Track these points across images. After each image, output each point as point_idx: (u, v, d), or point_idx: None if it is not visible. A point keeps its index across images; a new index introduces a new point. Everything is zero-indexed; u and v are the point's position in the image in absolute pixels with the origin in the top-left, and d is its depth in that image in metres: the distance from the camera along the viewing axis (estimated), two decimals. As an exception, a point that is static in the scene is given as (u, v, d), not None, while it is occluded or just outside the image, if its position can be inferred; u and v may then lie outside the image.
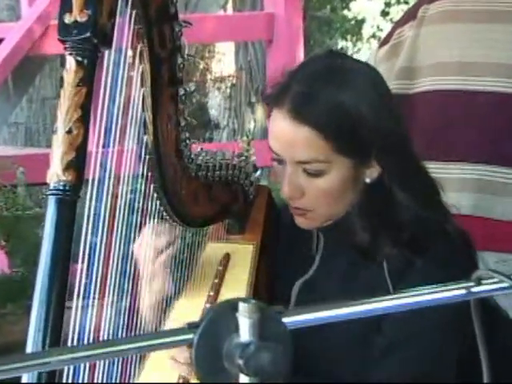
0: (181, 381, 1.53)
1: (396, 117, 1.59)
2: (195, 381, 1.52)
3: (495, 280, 0.92)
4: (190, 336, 0.85)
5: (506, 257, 2.19)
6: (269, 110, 1.60)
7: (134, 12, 1.38)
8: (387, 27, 9.07)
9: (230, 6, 6.96)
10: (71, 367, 1.27)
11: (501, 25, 2.26)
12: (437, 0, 2.35)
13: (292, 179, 1.57)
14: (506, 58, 2.23)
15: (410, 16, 2.42)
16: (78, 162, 1.27)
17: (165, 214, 1.55)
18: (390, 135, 1.56)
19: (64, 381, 1.28)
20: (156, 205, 1.53)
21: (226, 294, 1.62)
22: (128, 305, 1.51)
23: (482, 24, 2.28)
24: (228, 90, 7.05)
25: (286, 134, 1.55)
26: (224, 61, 7.13)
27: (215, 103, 7.13)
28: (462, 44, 2.29)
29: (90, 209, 1.32)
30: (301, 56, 4.80)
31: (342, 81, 1.55)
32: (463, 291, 0.92)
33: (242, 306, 0.84)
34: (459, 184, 2.02)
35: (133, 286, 1.51)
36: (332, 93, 1.54)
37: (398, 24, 2.48)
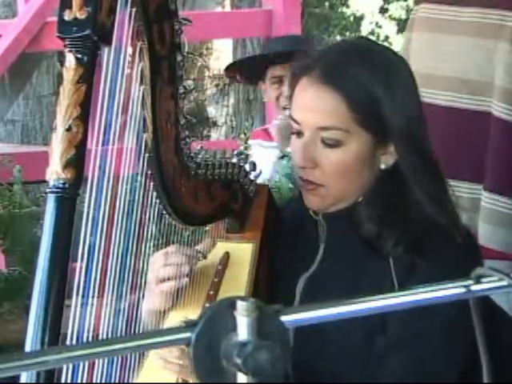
0: (180, 380, 1.53)
1: (418, 107, 1.61)
2: (194, 380, 1.52)
3: (495, 278, 0.92)
4: (188, 334, 0.85)
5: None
6: (294, 83, 1.61)
7: (133, 9, 1.38)
8: (386, 24, 9.07)
9: (227, 2, 6.95)
10: (70, 367, 1.27)
11: (440, 35, 2.26)
12: (421, 3, 2.35)
13: (308, 147, 1.58)
14: (446, 71, 2.24)
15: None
16: (77, 160, 1.27)
17: (164, 212, 1.54)
18: (410, 121, 1.57)
19: (63, 381, 1.28)
20: (155, 203, 1.53)
21: (225, 293, 1.61)
22: (127, 303, 1.50)
23: (431, 34, 2.29)
24: (226, 87, 7.04)
25: (312, 98, 1.57)
26: (222, 58, 7.12)
27: (213, 100, 7.12)
28: (420, 53, 2.29)
29: (89, 207, 1.32)
30: (299, 53, 4.79)
31: (371, 59, 1.59)
32: (462, 289, 0.92)
33: (240, 304, 0.84)
34: None
35: (132, 285, 1.50)
36: (362, 67, 1.57)
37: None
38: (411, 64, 1.67)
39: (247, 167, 1.70)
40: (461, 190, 2.20)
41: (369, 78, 1.56)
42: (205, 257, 1.62)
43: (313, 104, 1.57)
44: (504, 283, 0.91)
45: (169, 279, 1.57)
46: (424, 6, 2.34)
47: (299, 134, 1.59)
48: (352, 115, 1.55)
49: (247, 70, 3.16)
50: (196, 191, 1.58)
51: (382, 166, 1.59)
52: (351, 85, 1.55)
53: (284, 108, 2.87)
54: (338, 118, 1.55)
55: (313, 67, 1.58)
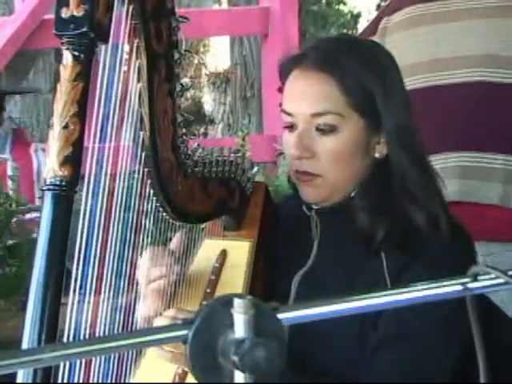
0: (177, 378, 1.53)
1: (407, 99, 1.62)
2: (191, 378, 1.51)
3: (491, 276, 0.92)
4: (185, 332, 0.85)
5: (493, 249, 2.23)
6: (284, 78, 1.62)
7: (130, 7, 1.38)
8: (382, 22, 9.07)
9: (224, 0, 6.96)
10: (67, 365, 1.27)
11: (462, 22, 2.32)
12: (398, 10, 2.41)
13: (303, 137, 1.58)
14: (472, 50, 2.29)
15: (369, 33, 2.46)
16: (74, 158, 1.27)
17: (161, 209, 1.54)
18: (401, 113, 1.58)
19: (59, 379, 1.28)
20: (152, 201, 1.53)
21: (222, 291, 1.61)
22: (124, 301, 1.50)
23: (446, 24, 2.34)
24: (223, 85, 7.04)
25: (304, 86, 1.58)
26: (219, 55, 7.13)
27: (210, 98, 7.13)
28: (428, 44, 2.34)
29: (85, 204, 1.32)
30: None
31: (361, 50, 1.61)
32: (459, 287, 0.92)
33: (236, 302, 0.84)
34: (443, 173, 2.07)
35: (128, 283, 1.50)
36: (353, 56, 1.58)
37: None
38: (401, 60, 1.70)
39: (245, 165, 1.70)
40: (496, 162, 2.25)
41: (360, 65, 1.57)
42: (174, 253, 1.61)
43: (305, 91, 1.58)
44: (501, 281, 0.91)
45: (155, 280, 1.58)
46: (412, 7, 2.39)
47: (292, 127, 1.60)
48: (345, 99, 1.55)
49: None
50: (193, 189, 1.58)
51: (377, 155, 1.59)
52: (343, 70, 1.56)
53: None
54: (331, 103, 1.56)
55: (304, 58, 1.59)
